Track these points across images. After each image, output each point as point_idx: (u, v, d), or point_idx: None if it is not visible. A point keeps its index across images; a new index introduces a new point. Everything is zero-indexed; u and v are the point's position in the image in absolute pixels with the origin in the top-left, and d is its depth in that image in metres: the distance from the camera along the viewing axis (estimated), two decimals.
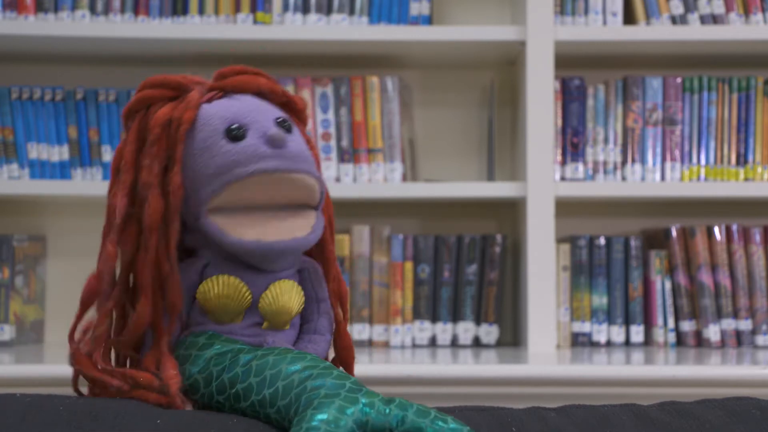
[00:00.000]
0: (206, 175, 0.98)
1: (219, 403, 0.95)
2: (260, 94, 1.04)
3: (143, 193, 0.99)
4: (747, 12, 2.03)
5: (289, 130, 1.01)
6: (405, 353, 1.92)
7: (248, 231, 0.97)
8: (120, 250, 1.02)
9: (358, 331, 2.02)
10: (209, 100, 1.01)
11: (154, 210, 0.98)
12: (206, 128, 0.99)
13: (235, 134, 0.98)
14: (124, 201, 1.00)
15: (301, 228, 0.99)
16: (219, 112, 1.00)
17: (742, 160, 2.04)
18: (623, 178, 2.04)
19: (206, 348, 0.98)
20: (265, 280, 1.00)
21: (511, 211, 2.17)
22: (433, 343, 2.05)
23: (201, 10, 2.03)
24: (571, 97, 2.05)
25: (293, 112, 1.06)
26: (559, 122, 2.04)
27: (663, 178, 2.03)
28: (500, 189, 1.99)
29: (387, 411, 0.85)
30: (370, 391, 0.87)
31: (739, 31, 2.00)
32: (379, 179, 2.02)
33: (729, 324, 2.01)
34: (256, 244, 0.97)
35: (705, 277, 2.01)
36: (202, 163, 0.98)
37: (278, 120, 1.01)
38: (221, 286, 0.99)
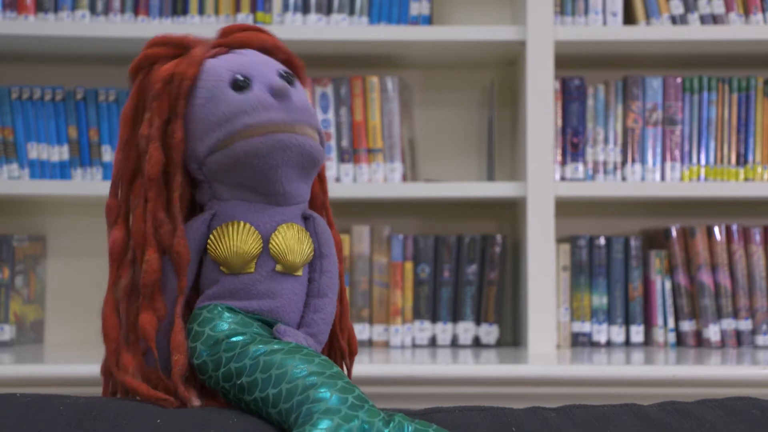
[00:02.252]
0: (211, 122, 1.00)
1: (224, 389, 0.96)
2: (264, 49, 1.06)
3: (142, 145, 1.00)
4: (747, 12, 2.03)
5: (291, 82, 1.03)
6: (405, 353, 1.92)
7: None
8: (124, 204, 1.02)
9: (358, 331, 2.02)
10: (214, 56, 1.03)
11: (155, 162, 0.99)
12: (211, 79, 1.01)
13: (240, 84, 1.00)
14: (121, 155, 1.02)
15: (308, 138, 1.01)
16: (224, 64, 1.02)
17: (742, 160, 2.04)
18: (623, 178, 2.04)
19: (219, 327, 0.97)
20: (273, 222, 1.01)
21: (511, 211, 2.17)
22: (433, 343, 2.05)
23: (201, 10, 2.03)
24: (571, 97, 2.05)
25: (293, 69, 1.09)
26: (559, 122, 2.04)
27: (663, 178, 2.03)
28: (500, 189, 1.99)
29: (386, 431, 0.85)
30: (373, 409, 0.87)
31: (739, 31, 2.00)
32: (379, 179, 2.02)
33: (729, 324, 2.01)
34: (267, 137, 0.98)
35: (705, 277, 2.01)
36: (208, 111, 1.00)
37: (281, 72, 1.02)
38: (231, 232, 1.00)
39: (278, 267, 1.00)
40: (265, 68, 1.02)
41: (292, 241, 1.01)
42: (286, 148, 0.99)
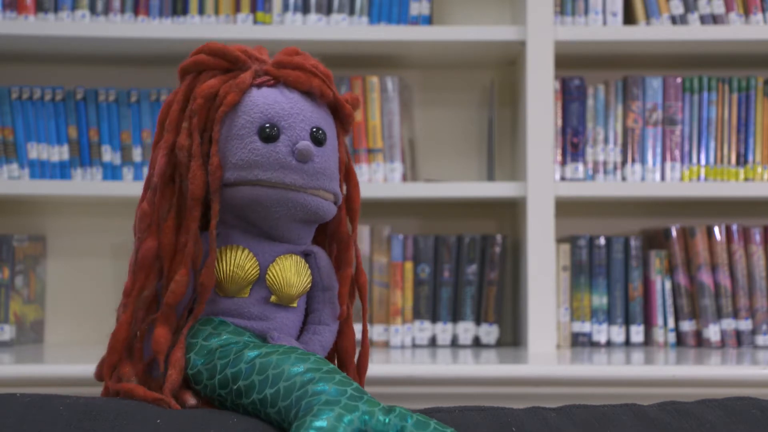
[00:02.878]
0: (230, 162, 1.00)
1: (221, 396, 0.96)
2: (309, 93, 1.05)
3: (180, 155, 1.00)
4: (747, 12, 2.03)
5: (321, 142, 1.02)
6: (405, 353, 1.92)
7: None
8: (157, 212, 1.02)
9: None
10: (259, 85, 1.03)
11: (200, 183, 1.00)
12: (245, 117, 1.01)
13: (268, 134, 1.00)
14: (164, 161, 1.01)
15: (316, 197, 1.02)
16: (261, 105, 1.02)
17: (742, 160, 2.04)
18: (623, 178, 2.04)
19: (213, 338, 0.98)
20: (272, 253, 1.02)
21: (511, 211, 2.17)
22: (433, 343, 2.04)
23: (201, 10, 2.03)
24: (571, 97, 2.04)
25: (339, 116, 1.08)
26: (559, 122, 2.04)
27: (663, 178, 2.03)
28: (500, 189, 1.99)
29: (386, 421, 0.86)
30: (372, 400, 0.87)
31: (739, 31, 2.00)
32: (379, 179, 2.02)
33: (729, 324, 2.01)
34: (273, 191, 0.99)
35: (705, 277, 2.01)
36: (231, 149, 1.01)
37: (314, 131, 1.02)
38: (231, 256, 1.00)
39: (273, 298, 1.01)
40: (300, 122, 1.02)
41: (289, 273, 1.01)
42: (291, 206, 1.00)
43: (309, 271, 1.04)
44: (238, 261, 1.00)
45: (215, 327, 0.99)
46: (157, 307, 1.01)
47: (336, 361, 1.10)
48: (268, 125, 1.00)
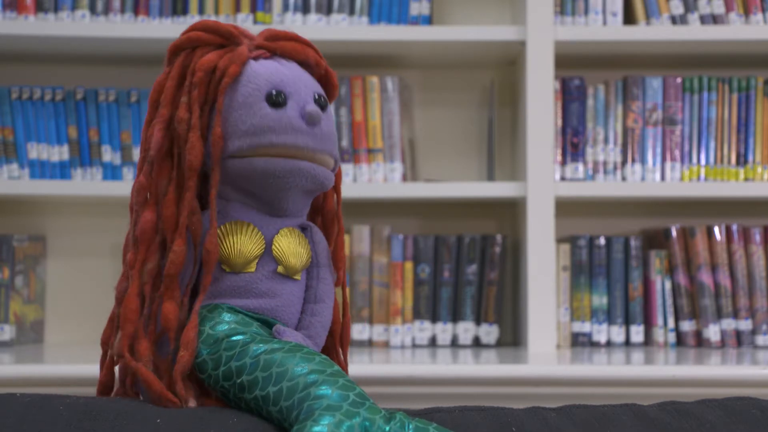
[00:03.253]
0: (239, 129, 1.01)
1: (224, 388, 0.96)
2: (306, 64, 1.07)
3: (179, 129, 1.01)
4: (747, 12, 2.03)
5: (324, 108, 1.04)
6: (405, 353, 1.92)
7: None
8: (155, 184, 1.02)
9: (358, 331, 2.02)
10: (256, 58, 1.04)
11: (197, 152, 1.00)
12: (250, 85, 1.02)
13: (275, 100, 1.01)
14: (161, 134, 1.02)
15: (320, 165, 1.04)
16: (264, 73, 1.03)
17: (742, 160, 2.04)
18: (623, 178, 2.04)
19: (219, 326, 0.98)
20: (275, 225, 1.03)
21: (511, 211, 2.17)
22: (433, 343, 2.04)
23: (201, 10, 2.03)
24: (571, 97, 2.04)
25: (327, 86, 1.10)
26: (559, 122, 2.04)
27: (663, 178, 2.03)
28: (500, 189, 1.99)
29: (387, 429, 0.86)
30: (374, 406, 0.87)
31: (739, 31, 2.00)
32: (379, 179, 2.02)
33: (729, 324, 2.01)
34: (285, 161, 1.00)
35: (705, 277, 2.01)
36: (238, 118, 1.01)
37: (317, 96, 1.04)
38: (235, 231, 1.01)
39: (280, 268, 1.02)
40: (303, 87, 1.03)
41: (293, 245, 1.02)
42: (302, 176, 1.01)
43: (308, 246, 1.05)
44: (243, 235, 1.01)
45: (222, 315, 0.99)
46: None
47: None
48: (275, 92, 1.01)
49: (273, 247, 1.02)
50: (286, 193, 1.02)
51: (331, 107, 1.08)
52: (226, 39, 1.05)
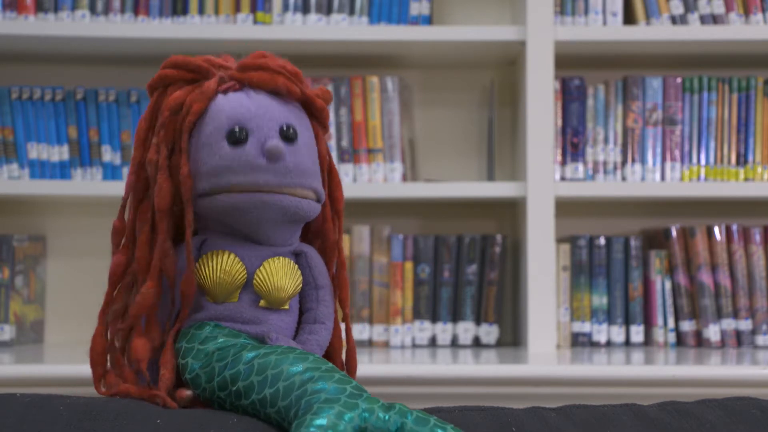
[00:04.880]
0: (202, 171, 1.00)
1: (220, 398, 0.96)
2: (276, 93, 1.04)
3: (149, 171, 1.00)
4: (747, 12, 2.03)
5: (293, 139, 1.01)
6: (405, 353, 1.92)
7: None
8: (130, 227, 1.02)
9: (358, 331, 2.02)
10: (225, 91, 1.02)
11: (165, 193, 0.99)
12: (212, 124, 1.01)
13: (236, 138, 0.99)
14: (133, 177, 1.02)
15: (295, 196, 1.01)
16: (227, 109, 1.01)
17: (742, 160, 2.04)
18: (623, 178, 2.04)
19: (209, 342, 0.98)
20: (260, 256, 1.01)
21: (511, 211, 2.17)
22: (433, 343, 2.04)
23: (201, 10, 2.03)
24: (571, 97, 2.04)
25: (311, 109, 1.07)
26: (559, 122, 2.04)
27: (663, 178, 2.03)
28: (500, 189, 1.99)
29: (386, 418, 0.85)
30: (371, 397, 0.87)
31: (739, 31, 2.00)
32: (379, 179, 2.02)
33: (729, 324, 2.01)
34: (248, 196, 0.98)
35: (705, 277, 2.01)
36: (201, 159, 1.00)
37: (283, 128, 1.01)
38: (216, 262, 1.00)
39: (261, 302, 1.01)
40: (267, 122, 1.00)
41: (277, 277, 1.01)
42: (267, 207, 0.99)
43: (299, 272, 1.03)
44: (225, 266, 1.00)
45: (211, 331, 0.99)
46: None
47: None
48: (236, 129, 0.99)
49: (255, 281, 1.00)
50: (258, 225, 1.00)
51: (309, 136, 1.04)
52: (195, 73, 1.03)
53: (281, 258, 1.02)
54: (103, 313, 1.02)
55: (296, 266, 1.03)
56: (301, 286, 1.04)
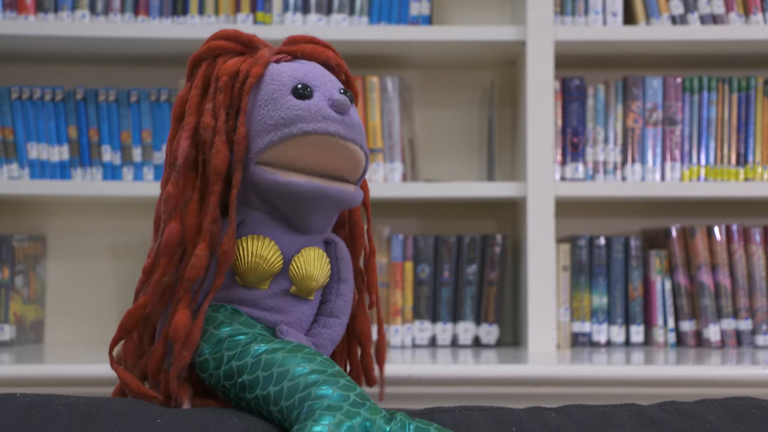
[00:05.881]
0: (268, 125, 1.00)
1: (225, 387, 0.96)
2: (327, 66, 1.07)
3: (205, 135, 1.00)
4: (747, 12, 2.03)
5: (351, 100, 1.03)
6: (405, 353, 1.92)
7: (299, 176, 0.99)
8: (181, 194, 1.01)
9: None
10: (277, 61, 1.04)
11: (223, 156, 0.99)
12: (274, 83, 1.02)
13: (302, 92, 1.01)
14: (187, 143, 1.01)
15: (347, 187, 1.02)
16: (288, 71, 1.03)
17: (742, 160, 2.04)
18: (623, 178, 2.04)
19: (223, 326, 0.97)
20: (297, 244, 1.01)
21: (511, 211, 2.17)
22: (433, 343, 2.04)
23: (201, 10, 2.03)
24: (571, 97, 2.05)
25: (349, 90, 1.09)
26: (559, 122, 2.04)
27: (663, 178, 2.03)
28: (500, 189, 1.99)
29: (387, 429, 0.85)
30: (374, 407, 0.87)
31: (739, 31, 2.00)
32: (379, 179, 2.02)
33: (729, 324, 2.01)
34: (309, 184, 0.99)
35: (705, 277, 2.01)
36: (266, 114, 1.00)
37: (342, 90, 1.04)
38: (255, 246, 1.00)
39: (293, 289, 1.01)
40: (327, 82, 1.03)
41: (312, 267, 1.01)
42: (326, 199, 1.00)
43: (329, 263, 1.04)
44: (262, 252, 1.00)
45: (227, 316, 0.98)
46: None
47: (352, 348, 1.11)
48: (300, 85, 1.01)
49: (291, 267, 1.00)
50: (309, 215, 1.01)
51: (355, 109, 1.07)
52: (246, 46, 1.05)
53: (316, 248, 1.03)
54: (155, 285, 0.98)
55: (326, 257, 1.03)
56: (329, 276, 1.04)
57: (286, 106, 1.00)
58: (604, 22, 2.02)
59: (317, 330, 1.03)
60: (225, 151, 0.99)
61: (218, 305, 1.00)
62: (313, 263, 1.01)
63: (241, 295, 1.00)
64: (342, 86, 1.05)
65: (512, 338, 2.14)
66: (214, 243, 0.98)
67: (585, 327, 2.03)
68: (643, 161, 2.04)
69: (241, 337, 0.96)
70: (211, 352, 0.96)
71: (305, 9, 2.02)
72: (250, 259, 0.99)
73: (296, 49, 1.06)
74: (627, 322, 2.04)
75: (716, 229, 2.03)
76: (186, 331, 0.96)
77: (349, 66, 2.25)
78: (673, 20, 2.03)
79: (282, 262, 1.00)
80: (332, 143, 0.99)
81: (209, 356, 0.96)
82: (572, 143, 2.04)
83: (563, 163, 2.04)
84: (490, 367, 1.70)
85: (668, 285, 2.04)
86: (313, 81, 1.02)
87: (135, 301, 1.02)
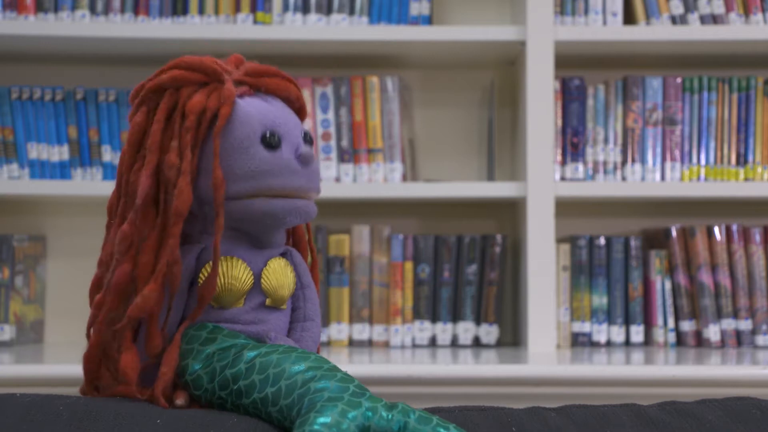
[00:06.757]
0: (236, 174, 1.00)
1: (221, 398, 0.95)
2: (288, 100, 1.07)
3: (169, 174, 0.99)
4: (747, 12, 2.03)
5: (311, 144, 1.05)
6: (405, 353, 1.92)
7: (269, 199, 1.01)
8: (138, 234, 1.00)
9: (358, 331, 2.02)
10: (241, 95, 1.03)
11: (186, 198, 0.98)
12: (243, 128, 1.01)
13: (270, 142, 1.01)
14: (148, 182, 0.99)
15: (309, 201, 1.05)
16: (256, 114, 1.02)
17: (742, 160, 2.04)
18: (623, 178, 2.04)
19: (209, 343, 0.98)
20: (262, 258, 1.03)
21: (511, 211, 2.17)
22: (433, 343, 2.04)
23: (201, 10, 2.03)
24: (571, 97, 2.05)
25: (300, 115, 1.11)
26: (559, 122, 2.04)
27: (663, 178, 2.03)
28: (500, 189, 1.99)
29: (389, 417, 0.86)
30: (374, 396, 0.87)
31: (739, 31, 2.00)
32: (379, 179, 2.02)
33: (729, 324, 2.01)
34: (284, 202, 1.01)
35: (705, 277, 2.01)
36: (234, 162, 1.00)
37: (304, 134, 1.05)
38: (226, 268, 1.00)
39: (268, 301, 1.02)
40: (293, 128, 1.04)
41: (281, 276, 1.03)
42: (298, 214, 1.02)
43: (293, 270, 1.05)
44: (234, 272, 1.00)
45: (210, 332, 0.99)
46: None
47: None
48: (269, 133, 1.01)
49: (262, 281, 1.01)
50: (279, 230, 1.03)
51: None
52: (209, 76, 1.03)
53: (279, 258, 1.04)
54: (102, 323, 0.99)
55: (290, 265, 1.05)
56: (295, 283, 1.05)
57: (256, 158, 1.00)
58: (604, 22, 2.02)
59: (298, 335, 1.05)
60: (188, 193, 0.97)
61: (199, 324, 1.00)
62: (281, 272, 1.03)
63: (218, 316, 1.00)
64: (303, 127, 1.06)
65: (512, 338, 2.14)
66: (173, 286, 0.98)
67: (585, 327, 2.03)
68: (643, 161, 2.04)
69: (231, 347, 0.96)
70: (202, 367, 0.96)
71: (305, 9, 2.02)
72: (223, 281, 1.00)
73: (260, 83, 1.05)
74: (627, 322, 2.04)
75: (716, 229, 2.03)
76: (135, 370, 0.96)
77: (349, 66, 2.26)
78: (673, 20, 2.03)
79: (252, 277, 1.01)
80: (294, 192, 1.01)
81: (201, 371, 0.96)
82: (572, 143, 2.04)
83: (563, 163, 2.04)
84: (490, 367, 1.70)
85: (668, 285, 2.04)
86: (280, 128, 1.02)
87: (87, 334, 1.02)
